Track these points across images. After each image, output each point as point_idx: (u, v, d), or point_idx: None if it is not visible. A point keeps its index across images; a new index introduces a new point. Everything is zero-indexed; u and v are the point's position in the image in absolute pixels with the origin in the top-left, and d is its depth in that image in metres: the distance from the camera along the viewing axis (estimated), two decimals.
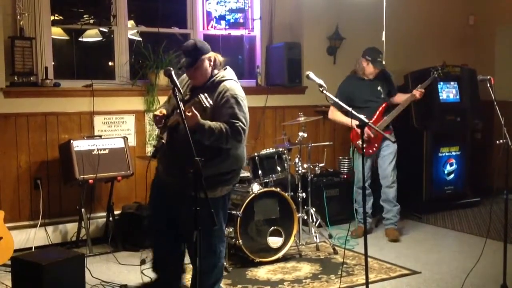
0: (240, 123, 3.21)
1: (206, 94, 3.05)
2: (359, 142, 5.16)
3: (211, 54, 3.34)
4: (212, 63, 3.33)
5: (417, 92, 5.20)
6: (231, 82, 3.33)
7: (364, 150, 5.18)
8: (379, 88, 5.28)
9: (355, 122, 5.04)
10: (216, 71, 3.36)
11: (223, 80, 3.31)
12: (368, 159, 5.22)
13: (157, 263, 3.66)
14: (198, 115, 3.05)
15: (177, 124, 3.22)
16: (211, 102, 3.05)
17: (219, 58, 3.39)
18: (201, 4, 5.96)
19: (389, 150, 5.27)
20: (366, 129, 5.04)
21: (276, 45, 6.13)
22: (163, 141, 3.23)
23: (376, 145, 5.23)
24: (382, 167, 5.32)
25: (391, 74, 5.46)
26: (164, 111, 3.36)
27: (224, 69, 3.41)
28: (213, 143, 3.18)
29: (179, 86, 2.92)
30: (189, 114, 3.00)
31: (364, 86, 5.26)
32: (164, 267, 3.63)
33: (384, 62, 5.24)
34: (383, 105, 5.23)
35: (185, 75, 3.50)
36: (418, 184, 5.54)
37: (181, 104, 2.84)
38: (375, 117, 5.19)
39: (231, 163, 3.37)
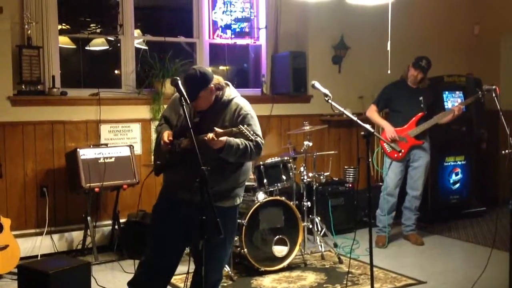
0: (259, 138, 3.25)
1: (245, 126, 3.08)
2: (385, 145, 5.21)
3: (213, 83, 3.26)
4: (214, 89, 3.31)
5: (456, 108, 5.21)
6: (239, 99, 3.35)
7: (390, 154, 5.24)
8: (420, 98, 5.28)
9: (390, 127, 5.13)
10: (220, 92, 3.35)
11: (232, 99, 3.33)
12: (400, 165, 5.25)
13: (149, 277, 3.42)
14: (224, 138, 3.07)
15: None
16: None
17: (220, 80, 3.37)
18: (207, 14, 5.99)
19: (421, 162, 5.30)
20: (393, 131, 5.13)
21: (281, 54, 6.15)
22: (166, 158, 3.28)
23: (402, 150, 5.22)
24: (413, 178, 5.36)
25: (435, 95, 5.57)
26: (171, 136, 3.32)
27: (227, 85, 3.40)
28: (237, 160, 3.24)
29: (185, 96, 2.92)
30: (215, 140, 3.02)
31: (406, 92, 5.32)
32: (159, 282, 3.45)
33: (426, 68, 5.28)
34: (419, 114, 5.25)
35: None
36: (424, 193, 5.54)
37: (187, 111, 2.90)
38: (408, 124, 5.24)
39: (244, 175, 3.40)
